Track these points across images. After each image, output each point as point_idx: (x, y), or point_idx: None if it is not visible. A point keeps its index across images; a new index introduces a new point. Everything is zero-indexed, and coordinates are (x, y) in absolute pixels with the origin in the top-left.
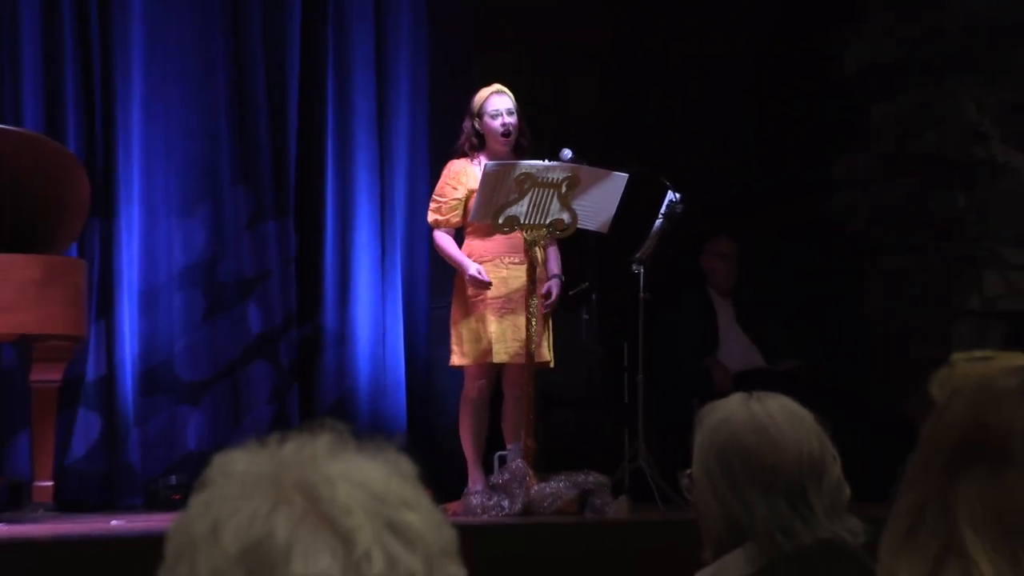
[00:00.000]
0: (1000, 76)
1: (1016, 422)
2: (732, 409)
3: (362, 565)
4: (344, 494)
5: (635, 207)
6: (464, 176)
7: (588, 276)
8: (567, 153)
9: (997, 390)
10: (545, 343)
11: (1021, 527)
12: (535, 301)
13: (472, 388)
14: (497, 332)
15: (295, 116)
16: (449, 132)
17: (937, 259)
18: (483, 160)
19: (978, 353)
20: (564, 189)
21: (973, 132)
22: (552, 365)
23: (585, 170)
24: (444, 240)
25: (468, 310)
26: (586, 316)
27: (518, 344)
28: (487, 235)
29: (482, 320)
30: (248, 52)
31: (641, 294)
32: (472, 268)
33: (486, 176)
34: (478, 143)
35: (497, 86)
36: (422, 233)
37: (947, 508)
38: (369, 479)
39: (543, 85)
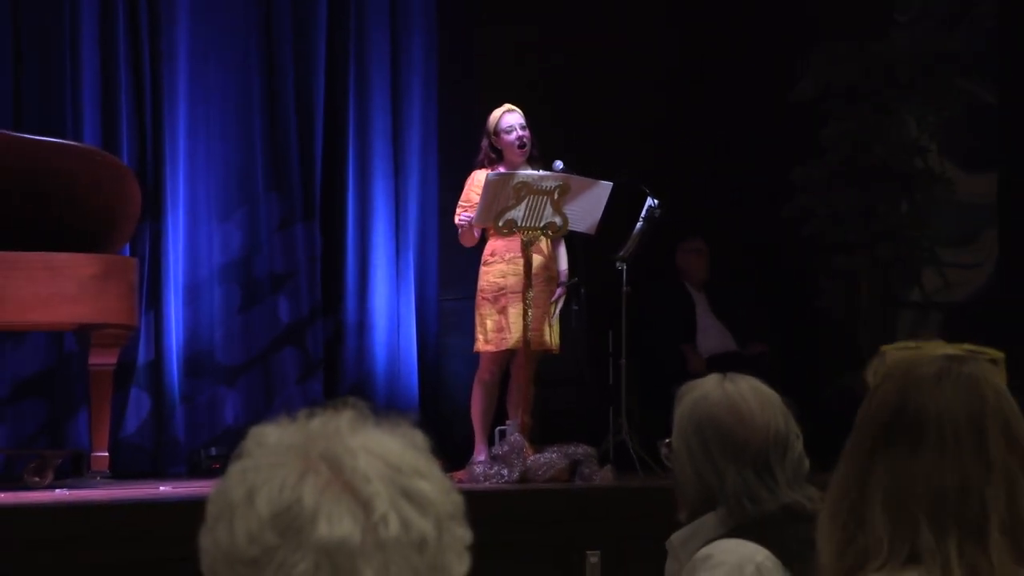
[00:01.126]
0: (937, 97)
1: (931, 407)
2: (709, 389)
3: (379, 528)
4: (364, 464)
5: (619, 212)
6: None
7: (577, 272)
8: (559, 164)
9: (918, 377)
10: (550, 331)
11: (923, 505)
12: (531, 294)
13: (486, 371)
14: (517, 322)
15: (320, 130)
16: (456, 143)
17: (882, 258)
18: (501, 171)
19: (909, 343)
20: (556, 196)
21: (913, 146)
22: (557, 352)
23: (575, 179)
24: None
25: (492, 302)
26: (576, 307)
27: (528, 331)
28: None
29: (504, 312)
30: (279, 75)
31: (624, 288)
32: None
33: (488, 185)
34: (496, 157)
35: (508, 105)
36: (432, 234)
37: (864, 485)
38: (386, 450)
39: (543, 100)
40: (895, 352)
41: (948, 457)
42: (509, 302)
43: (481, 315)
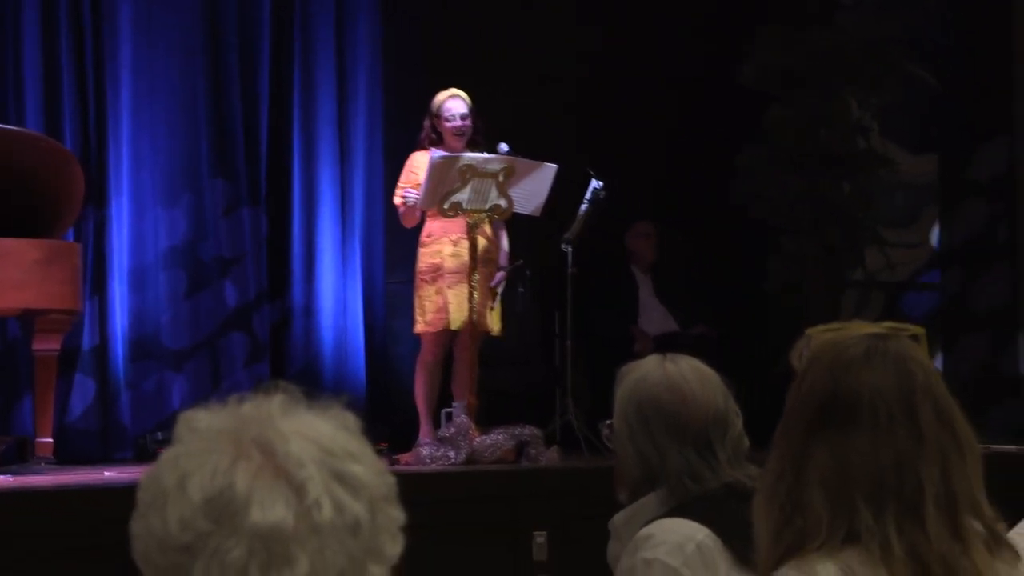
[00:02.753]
0: (879, 80)
1: (862, 388)
2: (649, 369)
3: (313, 512)
4: (296, 448)
5: (565, 194)
6: (425, 166)
7: (523, 254)
8: (504, 147)
9: (847, 358)
10: (492, 314)
11: (861, 484)
12: (476, 276)
13: (428, 353)
14: (454, 302)
15: (265, 115)
16: (402, 130)
17: (827, 239)
18: (445, 154)
19: (833, 324)
20: (501, 178)
21: (856, 127)
22: (497, 334)
23: (520, 162)
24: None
25: (429, 283)
26: (521, 290)
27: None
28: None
29: (441, 292)
30: (224, 62)
31: (569, 270)
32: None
33: (433, 167)
34: (436, 138)
35: (453, 90)
36: (378, 219)
37: (800, 468)
38: (319, 434)
39: (487, 85)
40: (819, 334)
41: (882, 435)
42: (447, 283)
43: (420, 296)
